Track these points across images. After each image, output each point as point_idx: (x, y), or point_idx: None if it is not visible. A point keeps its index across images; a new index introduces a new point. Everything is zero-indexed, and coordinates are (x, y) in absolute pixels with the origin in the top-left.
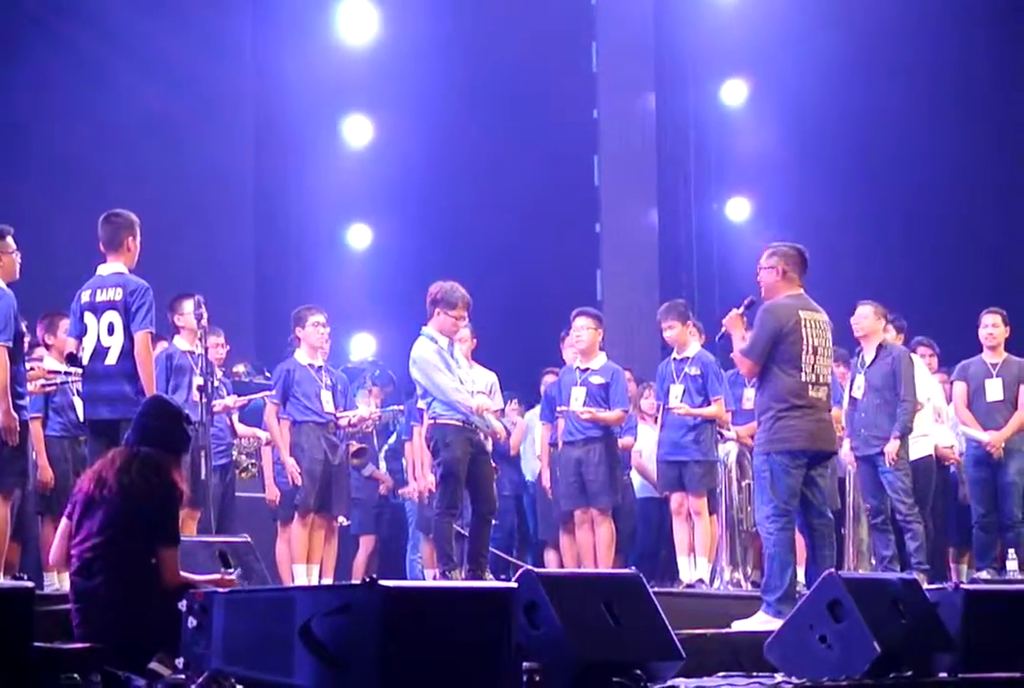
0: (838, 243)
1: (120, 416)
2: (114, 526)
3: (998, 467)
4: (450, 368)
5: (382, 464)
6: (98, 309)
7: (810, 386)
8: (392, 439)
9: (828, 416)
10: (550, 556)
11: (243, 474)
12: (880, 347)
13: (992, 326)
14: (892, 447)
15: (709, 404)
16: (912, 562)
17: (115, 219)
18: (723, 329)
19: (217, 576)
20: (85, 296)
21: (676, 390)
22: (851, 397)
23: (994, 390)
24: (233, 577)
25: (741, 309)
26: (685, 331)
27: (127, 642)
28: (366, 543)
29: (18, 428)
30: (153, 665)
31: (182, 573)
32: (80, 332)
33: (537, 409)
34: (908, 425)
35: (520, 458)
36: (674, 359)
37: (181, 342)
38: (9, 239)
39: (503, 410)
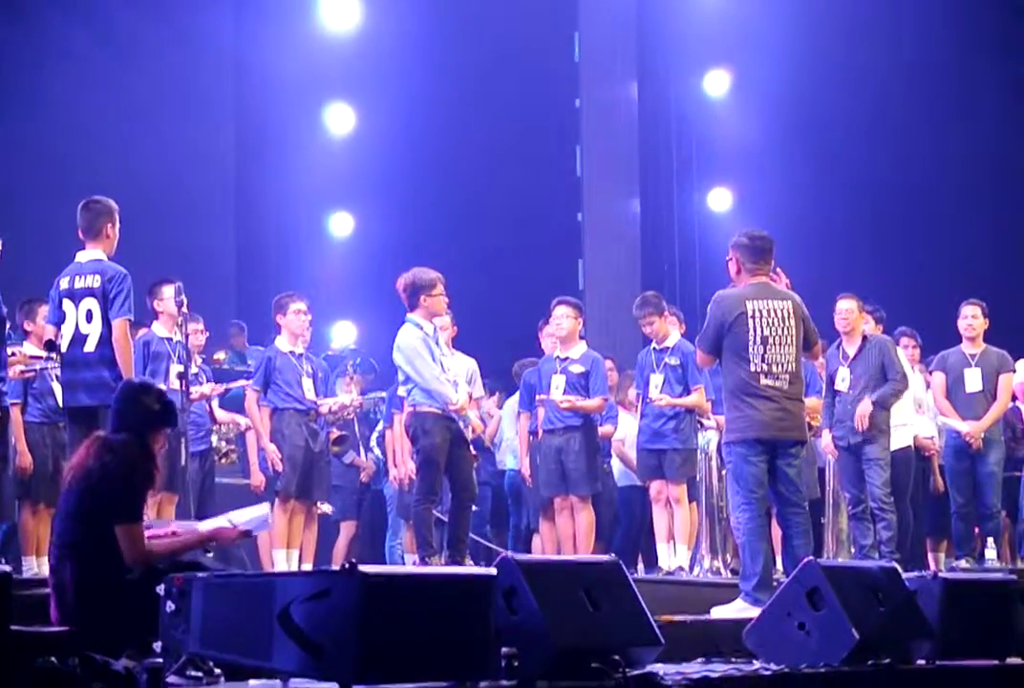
0: (819, 233)
1: (99, 402)
2: (77, 512)
3: (977, 457)
4: (433, 355)
5: (375, 451)
6: (76, 296)
7: (762, 375)
8: (380, 426)
9: (791, 404)
10: (538, 543)
11: (223, 460)
12: (864, 339)
13: (972, 317)
14: (864, 408)
15: (689, 393)
16: (884, 551)
17: (94, 206)
18: None
19: (207, 530)
20: (63, 283)
21: (656, 379)
22: (834, 389)
23: (973, 381)
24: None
25: None
26: (664, 323)
27: (97, 628)
28: (347, 529)
29: None
30: (123, 662)
31: (149, 545)
32: (59, 319)
33: (516, 398)
34: (889, 398)
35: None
36: (654, 349)
37: (159, 328)
38: None
39: (482, 398)
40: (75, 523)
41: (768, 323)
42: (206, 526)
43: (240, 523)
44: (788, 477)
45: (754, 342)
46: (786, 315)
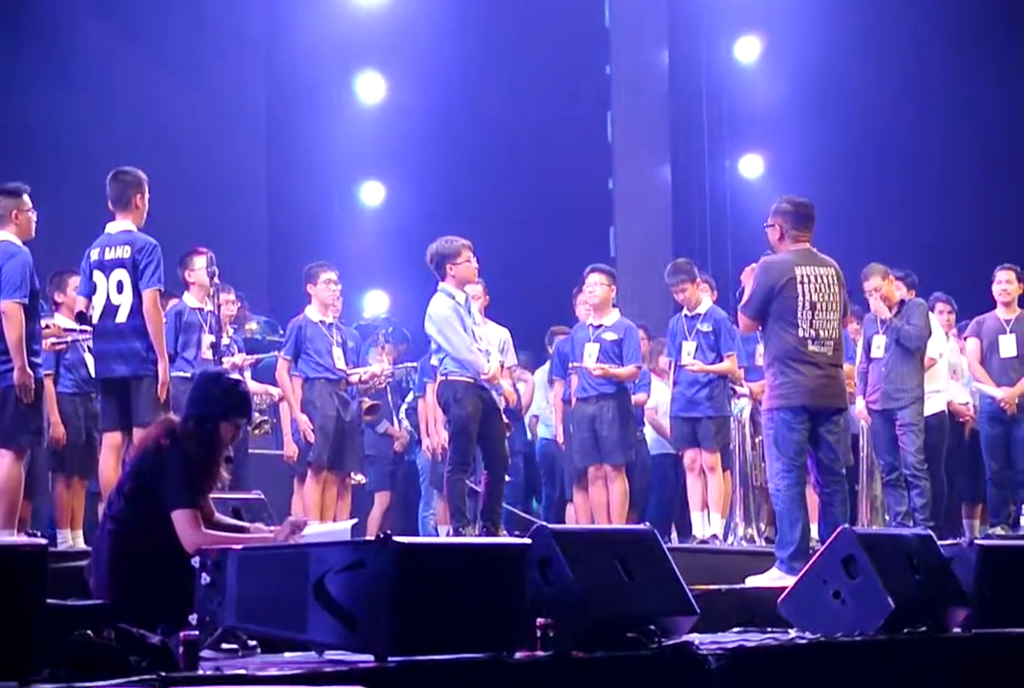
0: (851, 199)
1: (132, 373)
2: (125, 488)
3: (1012, 423)
4: (465, 324)
5: (405, 422)
6: (107, 267)
7: (809, 342)
8: (410, 397)
9: (834, 372)
10: (571, 512)
11: (255, 431)
12: (900, 304)
13: (1006, 282)
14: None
15: (722, 360)
16: (918, 518)
17: (123, 177)
18: (742, 285)
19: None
20: (94, 254)
21: (688, 347)
22: (869, 356)
23: (1008, 346)
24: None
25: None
26: (696, 290)
27: (131, 602)
28: (381, 499)
29: (33, 386)
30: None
31: (208, 534)
32: (90, 290)
33: (547, 367)
34: (904, 327)
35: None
36: (685, 316)
37: (190, 299)
38: (25, 197)
39: (514, 367)
40: (120, 499)
41: (816, 289)
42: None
43: (311, 535)
44: (829, 445)
45: (803, 308)
46: (831, 281)
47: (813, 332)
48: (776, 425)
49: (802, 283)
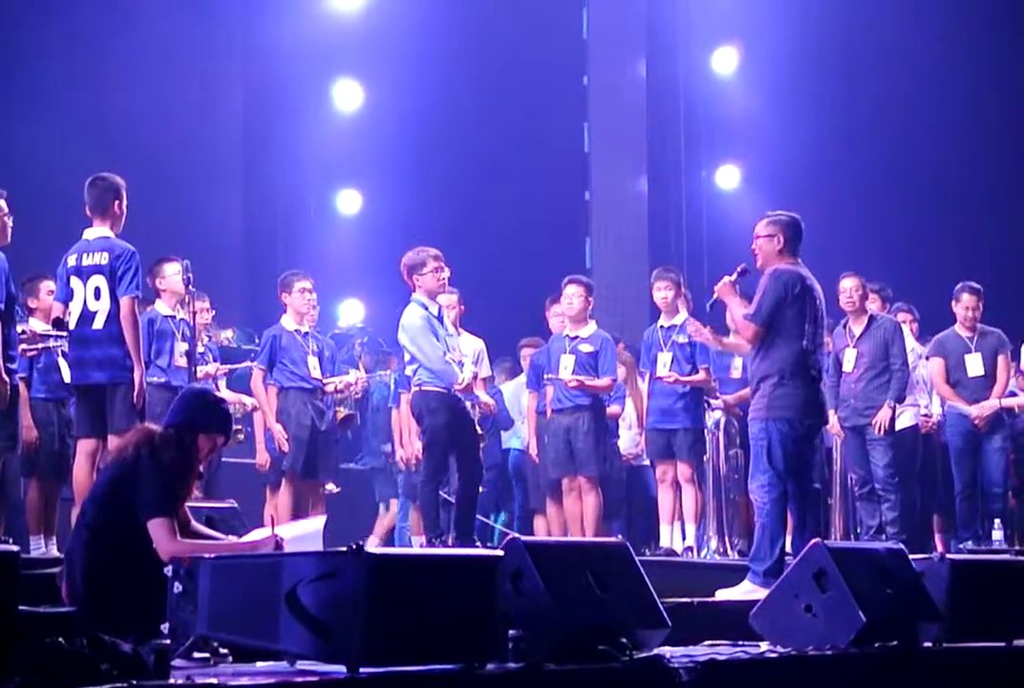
0: (827, 211)
1: (109, 380)
2: (100, 496)
3: (983, 437)
4: (437, 334)
5: None
6: (84, 273)
7: (809, 354)
8: None
9: (820, 385)
10: (540, 523)
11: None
12: (871, 318)
13: (972, 309)
14: (884, 415)
15: (698, 372)
16: (889, 532)
17: (100, 183)
18: (714, 296)
19: (249, 541)
20: (71, 260)
21: (664, 358)
22: (839, 370)
23: (975, 365)
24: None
25: (734, 276)
26: (677, 298)
27: (104, 610)
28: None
29: (8, 393)
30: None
31: (184, 543)
32: (67, 296)
33: (522, 378)
34: (902, 393)
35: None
36: (661, 327)
37: (162, 306)
38: (2, 202)
39: (491, 378)
40: (96, 507)
41: (817, 304)
42: (250, 537)
43: (288, 537)
44: (815, 459)
45: (808, 321)
46: (820, 296)
47: (811, 346)
48: (770, 435)
49: (808, 295)
